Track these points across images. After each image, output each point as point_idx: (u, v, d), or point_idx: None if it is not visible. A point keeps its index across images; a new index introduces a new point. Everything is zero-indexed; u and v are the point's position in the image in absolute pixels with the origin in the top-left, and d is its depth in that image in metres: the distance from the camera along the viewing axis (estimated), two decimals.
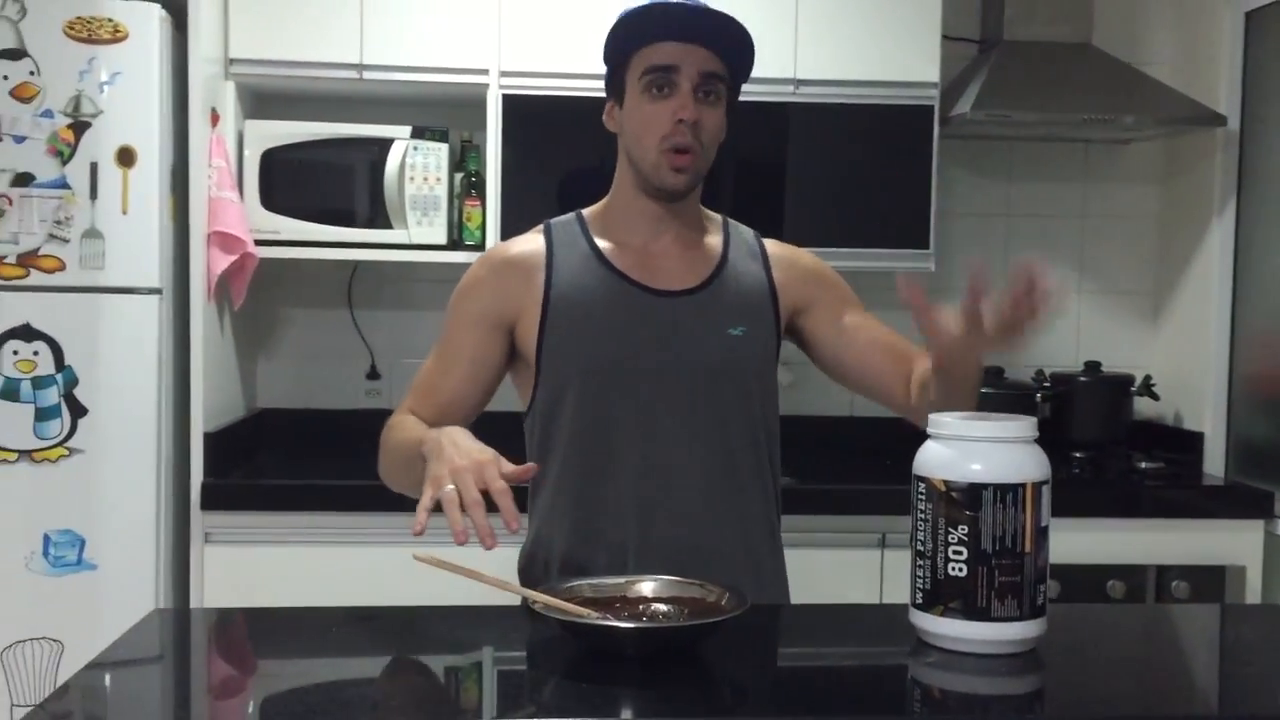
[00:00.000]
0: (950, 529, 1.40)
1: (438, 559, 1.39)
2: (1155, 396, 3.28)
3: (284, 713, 1.31)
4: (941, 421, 1.45)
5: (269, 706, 1.33)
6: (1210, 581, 2.88)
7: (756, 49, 1.75)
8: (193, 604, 2.72)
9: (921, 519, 1.43)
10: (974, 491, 1.39)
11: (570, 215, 1.84)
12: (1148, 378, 3.27)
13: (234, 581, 2.71)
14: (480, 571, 1.40)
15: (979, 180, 3.46)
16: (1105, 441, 3.24)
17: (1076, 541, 2.86)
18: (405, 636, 1.52)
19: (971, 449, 1.41)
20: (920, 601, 1.43)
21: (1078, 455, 3.20)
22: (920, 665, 1.42)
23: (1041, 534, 1.41)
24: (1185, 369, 3.31)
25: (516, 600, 1.52)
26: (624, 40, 1.74)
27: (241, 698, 1.37)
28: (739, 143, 2.91)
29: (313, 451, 3.18)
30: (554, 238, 1.80)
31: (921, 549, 1.43)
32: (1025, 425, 1.43)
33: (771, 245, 1.88)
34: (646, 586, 1.49)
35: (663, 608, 1.45)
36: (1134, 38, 3.40)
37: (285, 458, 3.13)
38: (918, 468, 1.45)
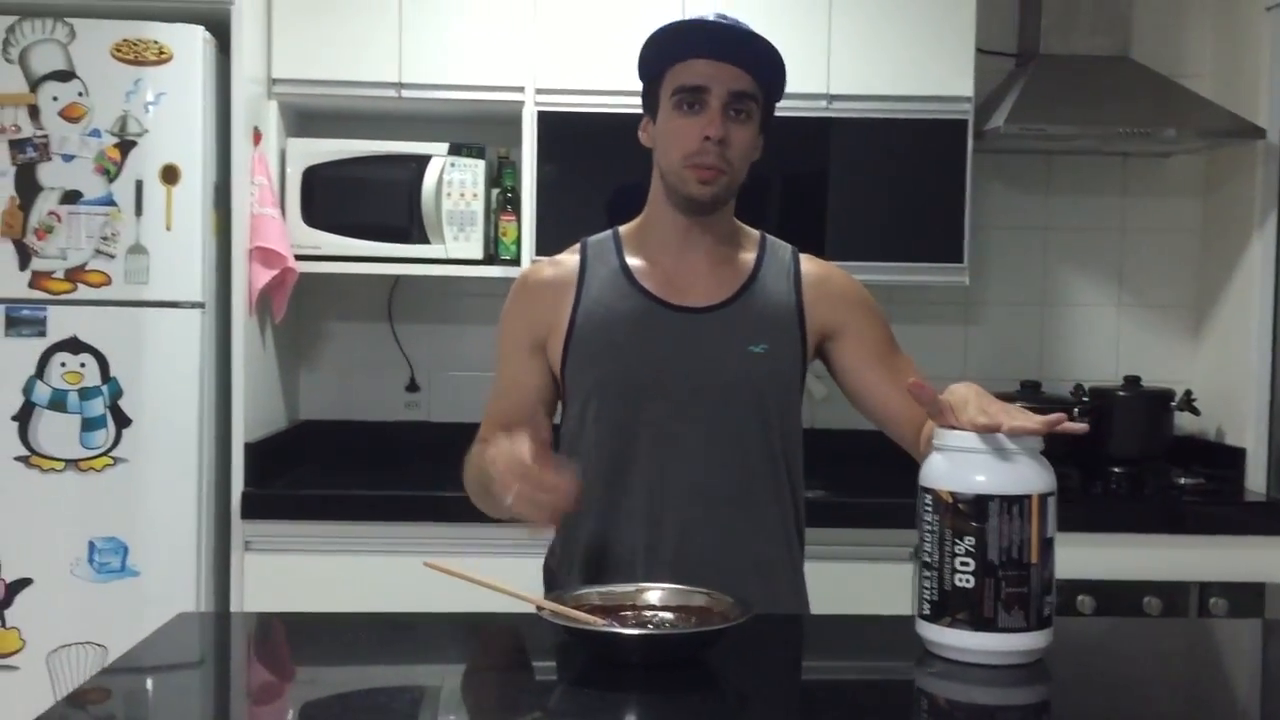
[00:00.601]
0: (957, 540, 1.41)
1: (448, 568, 1.42)
2: (1196, 411, 3.24)
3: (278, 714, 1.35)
4: (947, 434, 1.46)
5: (281, 707, 1.37)
6: (1249, 599, 2.85)
7: (789, 64, 1.77)
8: (232, 610, 2.78)
9: (928, 530, 1.44)
10: (980, 503, 1.40)
11: (607, 233, 1.88)
12: (1188, 392, 3.24)
13: (273, 588, 2.77)
14: (490, 580, 1.43)
15: (1017, 194, 3.45)
16: (1145, 457, 3.21)
17: (1114, 557, 2.85)
18: (419, 642, 1.56)
19: (977, 461, 1.42)
20: (927, 613, 1.44)
21: (1117, 470, 3.17)
22: (926, 676, 1.43)
23: (1047, 545, 1.42)
24: (1226, 384, 3.28)
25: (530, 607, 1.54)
26: (657, 57, 1.77)
27: (259, 700, 1.41)
28: (780, 160, 2.97)
29: (353, 462, 3.24)
30: (588, 255, 1.84)
31: (928, 560, 1.44)
32: (1027, 438, 1.43)
33: (807, 264, 1.87)
34: (654, 595, 1.51)
35: (669, 616, 1.47)
36: (1173, 50, 3.38)
37: (325, 468, 3.19)
38: (924, 479, 1.46)
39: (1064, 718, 1.38)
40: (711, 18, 1.76)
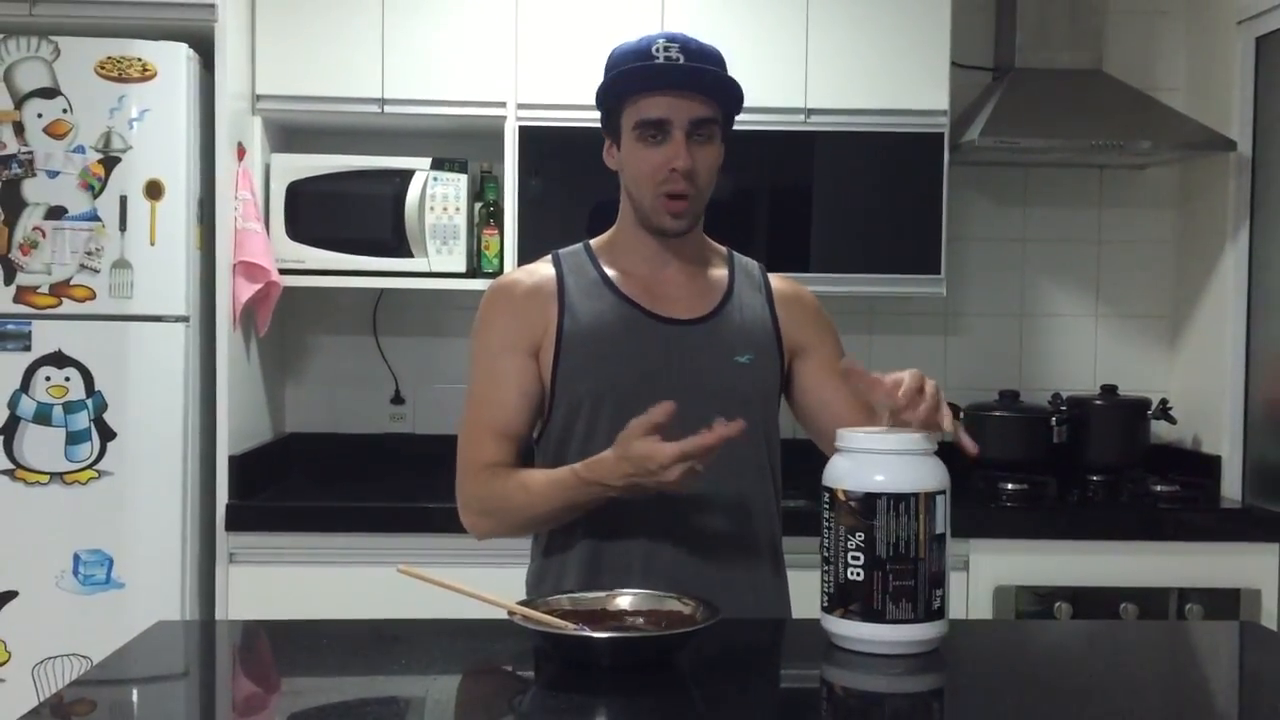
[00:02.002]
0: (849, 536, 1.49)
1: (421, 573, 1.45)
2: (1172, 420, 3.28)
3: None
4: (846, 436, 1.54)
5: (253, 712, 1.39)
6: (1225, 604, 2.88)
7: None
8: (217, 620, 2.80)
9: (826, 527, 1.52)
10: (869, 501, 1.47)
11: (578, 245, 1.90)
12: (1164, 401, 3.27)
13: (258, 600, 2.79)
14: (463, 586, 1.46)
15: (994, 206, 3.49)
16: (1121, 465, 3.24)
17: (1091, 564, 2.88)
18: (390, 648, 1.58)
19: (869, 461, 1.50)
20: (826, 605, 1.52)
21: (1094, 478, 3.20)
22: (830, 668, 1.50)
23: (937, 541, 1.48)
24: (1202, 392, 3.32)
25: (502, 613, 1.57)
26: (616, 90, 1.78)
27: (239, 708, 1.43)
28: (758, 174, 3.01)
29: (338, 474, 3.26)
30: (563, 266, 1.86)
31: (827, 555, 1.52)
32: (920, 439, 1.51)
33: (776, 280, 1.93)
34: (625, 600, 1.54)
35: (639, 620, 1.50)
36: (1146, 64, 3.43)
37: (311, 480, 3.21)
38: (824, 479, 1.53)
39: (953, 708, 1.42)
40: (662, 52, 1.74)
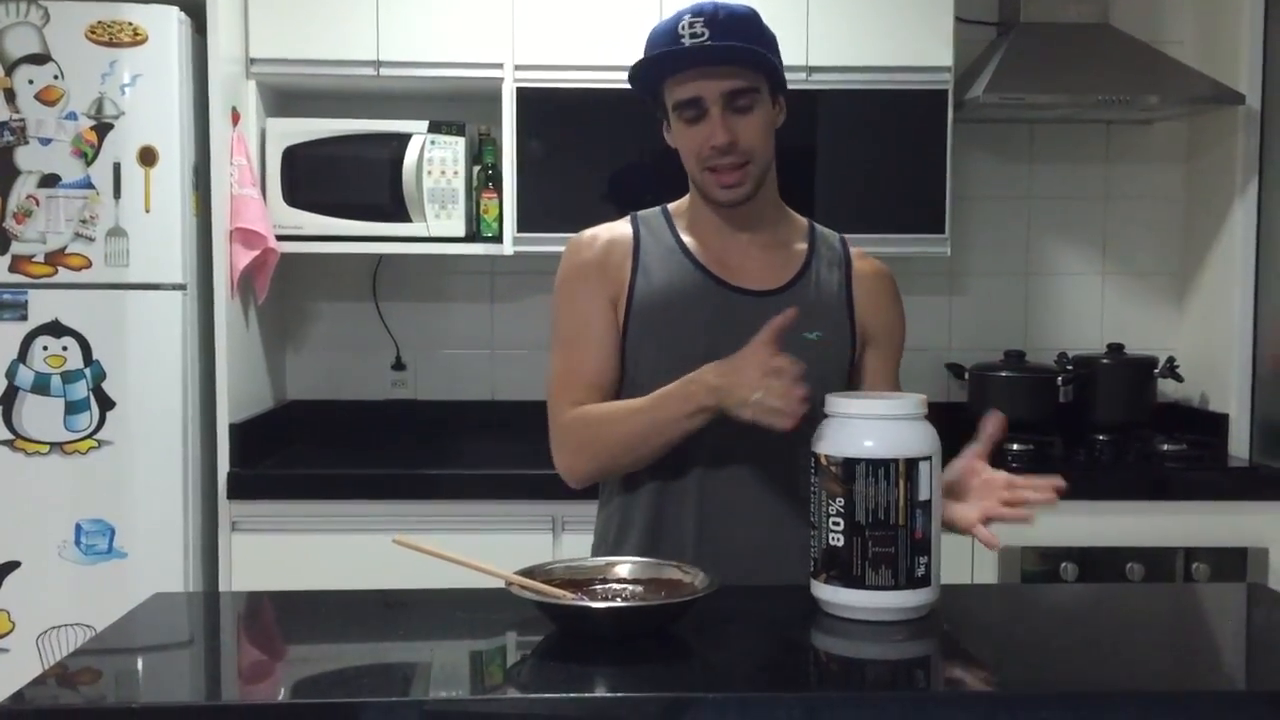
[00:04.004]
0: (830, 501, 1.48)
1: (417, 544, 1.44)
2: (1179, 378, 3.25)
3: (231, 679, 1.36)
4: (832, 401, 1.52)
5: (259, 678, 1.38)
6: (1232, 564, 2.86)
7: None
8: (220, 589, 2.80)
9: (813, 492, 1.51)
10: (849, 466, 1.46)
11: (656, 209, 1.89)
12: (1171, 359, 3.24)
13: (260, 568, 2.78)
14: (459, 556, 1.44)
15: (1000, 163, 3.45)
16: (1128, 424, 3.22)
17: (1098, 524, 2.87)
18: (389, 618, 1.57)
19: (853, 426, 1.49)
20: (812, 569, 1.52)
21: (1100, 438, 3.18)
22: (824, 636, 1.51)
23: (921, 507, 1.47)
24: (1209, 350, 3.28)
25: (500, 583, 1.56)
26: (650, 77, 1.77)
27: (247, 676, 1.42)
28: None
29: (340, 441, 3.25)
30: (640, 228, 1.85)
31: (814, 520, 1.51)
32: (905, 403, 1.49)
33: (858, 259, 1.89)
34: (624, 568, 1.53)
35: (639, 589, 1.48)
36: (1153, 17, 3.37)
37: (312, 448, 3.20)
38: (812, 444, 1.52)
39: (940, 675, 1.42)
40: (687, 30, 1.71)
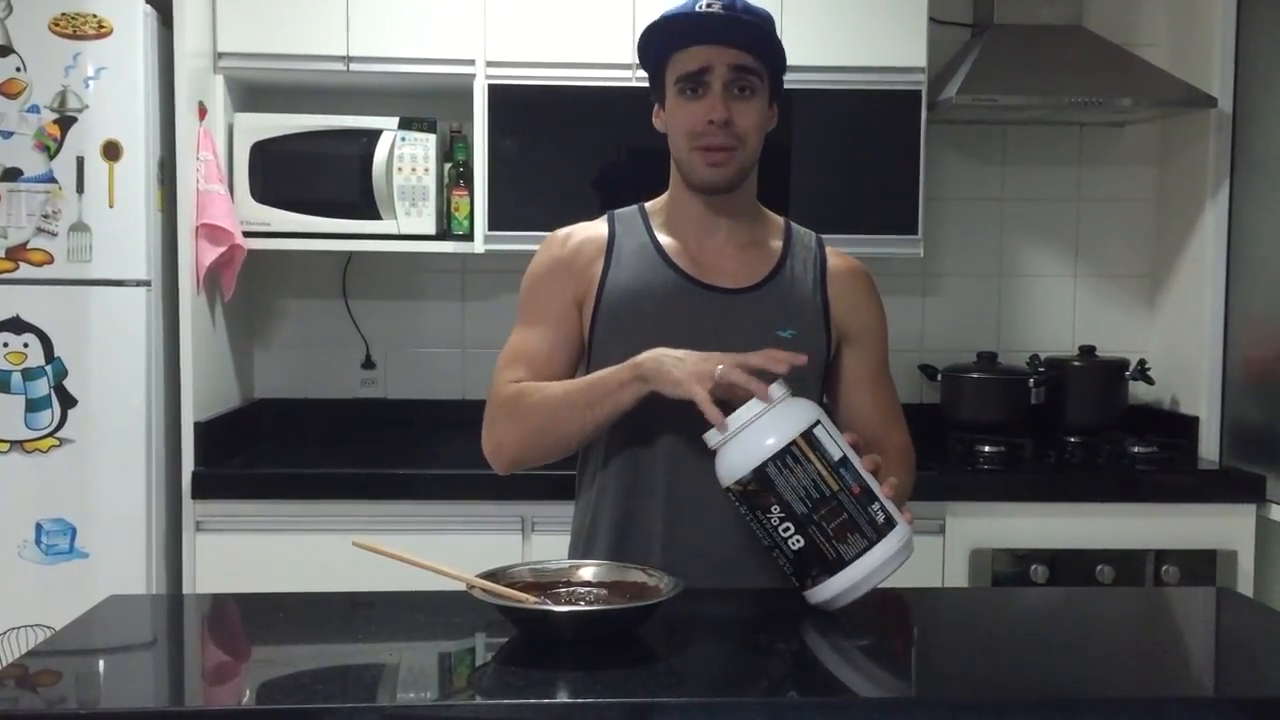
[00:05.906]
0: (767, 514, 1.47)
1: (375, 546, 1.41)
2: (1150, 381, 3.26)
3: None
4: (707, 438, 1.52)
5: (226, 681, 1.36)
6: (1202, 566, 2.87)
7: None
8: (185, 591, 2.76)
9: (750, 521, 1.51)
10: (760, 473, 1.46)
11: (633, 207, 1.87)
12: (1142, 362, 3.25)
13: (224, 568, 2.75)
14: (419, 559, 1.42)
15: (973, 164, 3.44)
16: (1099, 426, 3.22)
17: (1068, 526, 2.87)
18: (352, 621, 1.55)
19: (737, 444, 1.49)
20: (796, 585, 1.51)
21: (1071, 440, 3.18)
22: (794, 638, 1.49)
23: (841, 465, 1.47)
24: (1180, 353, 3.29)
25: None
26: (657, 47, 1.75)
27: (212, 677, 1.40)
28: None
29: (308, 440, 3.21)
30: (616, 226, 1.83)
31: (768, 544, 1.50)
32: (769, 393, 1.49)
33: (833, 257, 1.87)
34: (588, 571, 1.51)
35: (603, 592, 1.46)
36: (1126, 20, 3.37)
37: (280, 447, 3.16)
38: (721, 485, 1.52)
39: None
40: (703, 5, 1.71)
